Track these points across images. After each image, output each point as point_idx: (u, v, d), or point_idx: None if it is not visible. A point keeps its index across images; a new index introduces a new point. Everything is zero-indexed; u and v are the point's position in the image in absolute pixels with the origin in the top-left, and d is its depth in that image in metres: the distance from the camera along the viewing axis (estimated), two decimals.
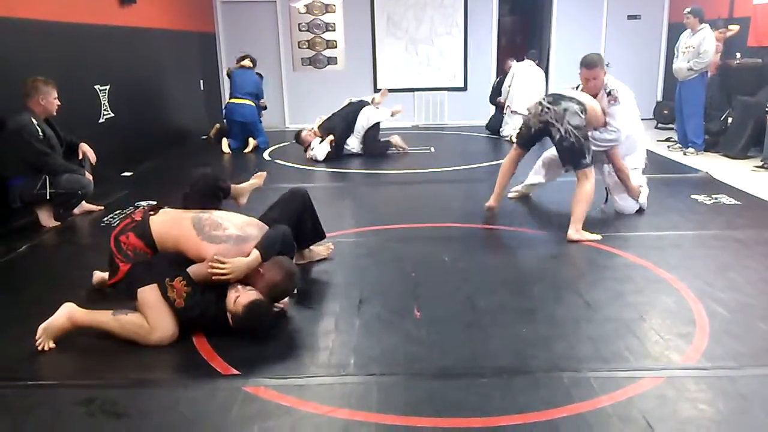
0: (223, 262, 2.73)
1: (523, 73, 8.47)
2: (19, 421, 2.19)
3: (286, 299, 3.02)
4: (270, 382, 2.39)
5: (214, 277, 2.73)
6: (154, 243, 2.88)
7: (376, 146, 7.45)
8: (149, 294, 2.71)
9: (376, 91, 10.20)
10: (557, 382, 2.36)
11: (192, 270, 2.79)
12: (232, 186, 3.54)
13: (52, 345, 2.66)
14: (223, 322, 2.73)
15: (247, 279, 2.81)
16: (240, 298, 2.71)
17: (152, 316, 2.68)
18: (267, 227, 3.08)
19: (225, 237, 2.85)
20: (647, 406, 2.18)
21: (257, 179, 3.78)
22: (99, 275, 3.30)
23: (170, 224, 2.93)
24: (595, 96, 4.36)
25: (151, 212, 3.00)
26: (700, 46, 6.96)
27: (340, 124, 7.31)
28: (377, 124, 7.47)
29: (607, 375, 2.40)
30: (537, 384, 2.34)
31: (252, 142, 8.09)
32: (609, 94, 4.34)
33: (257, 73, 8.42)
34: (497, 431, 2.06)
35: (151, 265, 2.81)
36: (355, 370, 2.48)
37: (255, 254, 2.82)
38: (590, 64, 4.40)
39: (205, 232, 2.85)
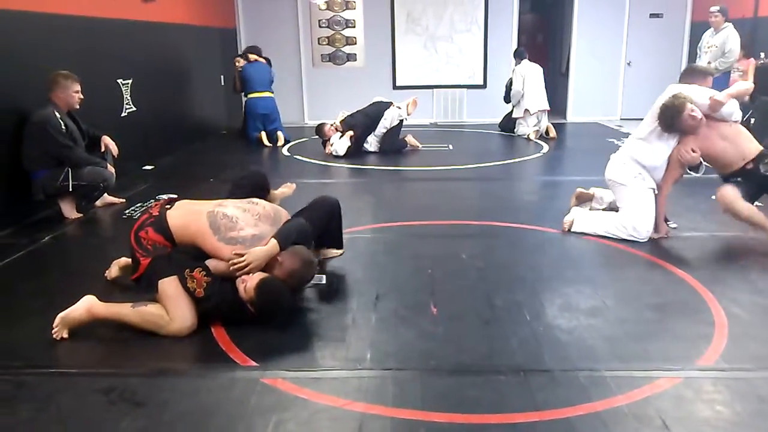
0: (241, 255, 2.82)
1: (531, 74, 8.44)
2: (40, 407, 2.22)
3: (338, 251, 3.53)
4: (287, 374, 2.41)
5: (236, 272, 2.81)
6: (172, 236, 2.94)
7: (393, 144, 7.46)
8: (169, 285, 2.75)
9: (395, 88, 10.25)
10: (574, 380, 2.35)
11: (210, 265, 2.85)
12: (271, 192, 3.67)
13: (65, 335, 2.71)
14: (241, 311, 2.78)
15: (265, 270, 2.87)
16: (248, 284, 2.76)
17: (172, 306, 2.72)
18: (280, 212, 3.16)
19: (241, 239, 2.91)
20: (664, 406, 2.17)
21: (287, 189, 3.92)
22: (117, 266, 3.36)
23: (187, 219, 2.97)
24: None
25: (168, 206, 3.05)
26: (725, 45, 6.89)
27: (362, 121, 7.33)
28: (400, 122, 7.48)
29: (624, 374, 2.39)
30: (554, 382, 2.34)
31: (281, 136, 8.20)
32: None
33: (266, 59, 8.51)
34: (513, 428, 2.07)
35: (171, 258, 2.86)
36: (371, 364, 2.50)
37: (273, 242, 2.90)
38: None
39: (221, 233, 2.91)
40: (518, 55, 8.71)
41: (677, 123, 3.83)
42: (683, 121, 3.80)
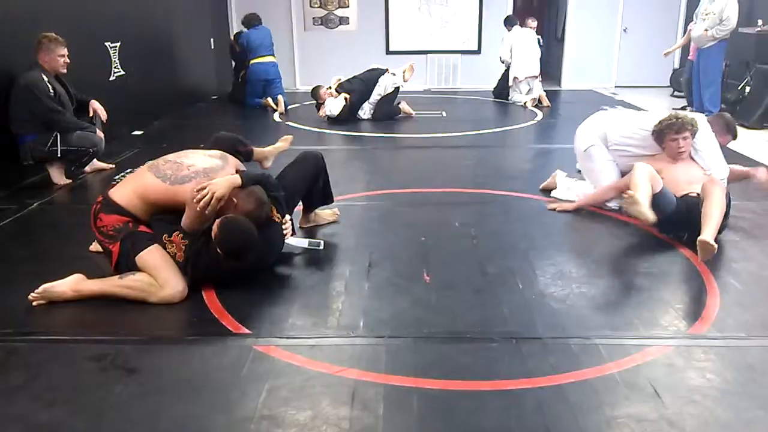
0: (203, 187, 2.72)
1: (521, 41, 8.34)
2: (32, 374, 2.22)
3: (334, 216, 3.59)
4: (280, 342, 2.41)
5: (204, 208, 2.70)
6: (125, 210, 2.84)
7: (386, 111, 7.38)
8: (151, 255, 2.72)
9: (389, 53, 10.12)
10: (565, 348, 2.36)
11: (183, 221, 2.78)
12: (255, 150, 3.54)
13: (39, 303, 2.68)
14: (220, 268, 2.75)
15: (221, 211, 2.78)
16: (214, 224, 2.70)
17: (160, 273, 2.69)
18: (228, 156, 3.10)
19: (193, 174, 2.85)
20: (655, 374, 2.19)
21: (283, 143, 3.79)
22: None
23: (130, 186, 2.92)
24: None
25: (110, 189, 2.97)
26: (722, 13, 6.80)
27: (359, 87, 7.24)
28: (396, 89, 7.40)
29: (616, 342, 2.41)
30: (545, 349, 2.35)
31: (281, 99, 8.03)
32: None
33: None
34: (505, 394, 2.08)
35: (141, 233, 2.80)
36: (364, 331, 2.50)
37: (236, 176, 2.85)
38: None
39: (170, 177, 2.85)
40: (508, 23, 8.63)
41: (663, 136, 3.66)
42: (668, 138, 3.63)
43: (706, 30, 6.96)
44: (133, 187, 2.90)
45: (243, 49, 8.21)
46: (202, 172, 2.86)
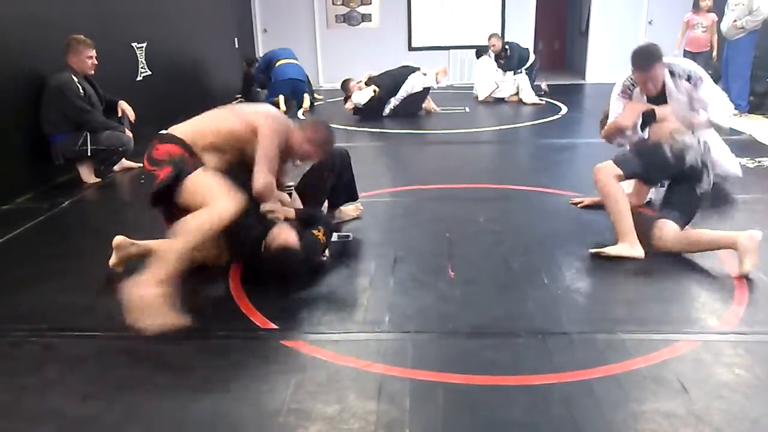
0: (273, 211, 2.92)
1: (482, 69, 8.45)
2: (67, 368, 2.28)
3: (357, 211, 3.65)
4: (307, 337, 2.44)
5: (266, 213, 2.91)
6: (184, 142, 2.77)
7: (408, 107, 7.38)
8: (198, 176, 2.64)
9: (411, 49, 10.12)
10: (592, 343, 2.36)
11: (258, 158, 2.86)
12: None
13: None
14: (258, 251, 2.81)
15: (289, 150, 3.04)
16: (279, 236, 2.74)
17: (209, 193, 2.60)
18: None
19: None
20: (682, 370, 2.17)
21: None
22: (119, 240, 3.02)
23: (198, 124, 2.93)
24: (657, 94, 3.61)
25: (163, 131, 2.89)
26: (752, 3, 6.68)
27: (388, 82, 7.27)
28: (426, 89, 7.40)
29: (643, 337, 2.39)
30: (572, 345, 2.35)
31: (306, 98, 8.08)
32: (688, 78, 3.63)
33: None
34: (531, 389, 2.08)
35: (193, 163, 2.71)
36: (389, 327, 2.52)
37: (291, 212, 2.97)
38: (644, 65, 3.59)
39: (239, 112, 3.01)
40: (477, 54, 8.73)
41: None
42: None
43: (735, 21, 6.84)
44: (204, 124, 2.92)
45: (266, 66, 8.33)
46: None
